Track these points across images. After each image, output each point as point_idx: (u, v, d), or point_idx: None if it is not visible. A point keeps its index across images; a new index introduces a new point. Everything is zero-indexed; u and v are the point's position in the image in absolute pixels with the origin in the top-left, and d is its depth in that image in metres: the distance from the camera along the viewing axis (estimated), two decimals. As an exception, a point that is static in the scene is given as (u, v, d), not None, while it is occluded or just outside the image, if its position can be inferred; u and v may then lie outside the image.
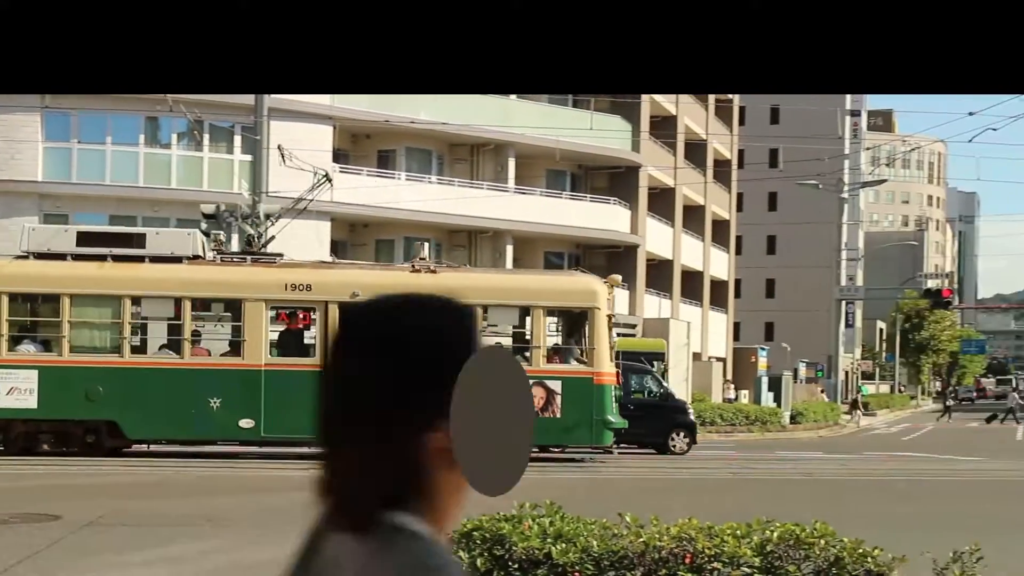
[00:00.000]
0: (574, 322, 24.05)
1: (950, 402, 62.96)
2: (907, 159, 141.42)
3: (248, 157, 33.55)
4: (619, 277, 26.84)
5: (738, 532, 5.71)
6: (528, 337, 23.31)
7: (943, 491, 20.01)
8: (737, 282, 69.31)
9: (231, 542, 12.35)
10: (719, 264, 62.17)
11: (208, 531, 13.02)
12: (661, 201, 52.08)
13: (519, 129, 42.33)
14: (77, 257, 22.47)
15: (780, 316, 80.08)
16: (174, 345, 22.88)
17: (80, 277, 22.38)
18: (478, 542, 5.86)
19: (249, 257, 24.23)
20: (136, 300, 22.68)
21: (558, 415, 22.86)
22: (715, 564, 5.55)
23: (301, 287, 22.69)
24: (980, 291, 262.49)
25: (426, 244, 29.22)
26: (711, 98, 58.37)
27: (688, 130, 55.07)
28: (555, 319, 24.16)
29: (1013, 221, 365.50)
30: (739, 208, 70.28)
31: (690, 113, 55.66)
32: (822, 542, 5.58)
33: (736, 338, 65.87)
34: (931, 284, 73.55)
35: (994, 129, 45.83)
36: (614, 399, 23.34)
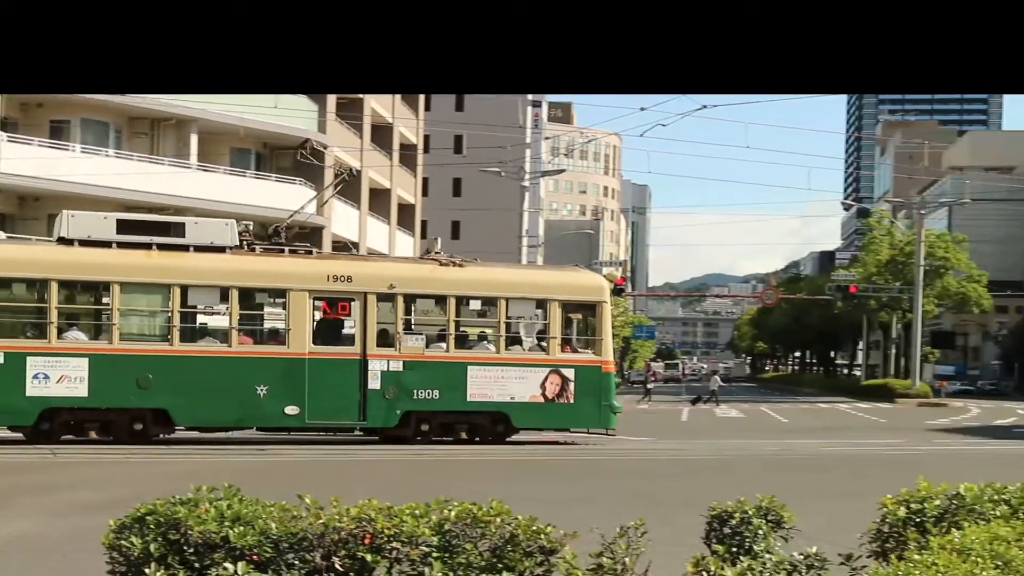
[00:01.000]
0: (583, 314, 25.38)
1: (650, 385, 65.58)
2: (584, 150, 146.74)
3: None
4: (617, 273, 27.56)
5: (417, 512, 5.77)
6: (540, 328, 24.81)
7: (616, 469, 20.91)
8: (422, 266, 69.95)
9: None
10: (405, 248, 62.66)
11: None
12: (347, 183, 51.95)
13: (202, 105, 41.22)
14: (122, 245, 22.51)
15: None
16: (220, 334, 23.34)
17: (128, 265, 22.47)
18: (152, 526, 5.69)
19: (287, 248, 24.55)
20: (184, 289, 22.82)
21: (571, 401, 24.46)
22: (394, 544, 5.59)
23: (342, 278, 23.52)
24: (651, 279, 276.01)
25: (438, 239, 29.82)
26: (399, 82, 58.59)
27: (375, 113, 55.16)
28: (567, 312, 25.21)
29: (682, 213, 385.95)
30: (425, 193, 71.05)
31: (377, 96, 55.80)
32: (498, 520, 5.71)
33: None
34: (606, 272, 76.57)
35: (664, 125, 48.38)
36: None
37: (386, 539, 5.62)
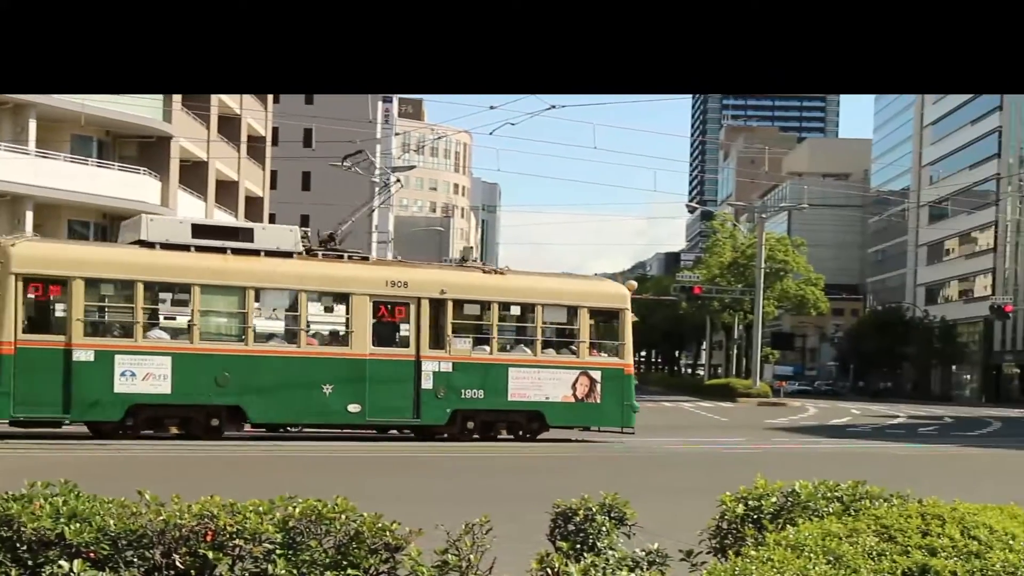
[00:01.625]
0: (607, 320, 27.37)
1: None
2: (435, 147, 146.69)
3: None
4: (635, 283, 31.01)
5: (261, 508, 5.70)
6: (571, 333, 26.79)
7: (464, 466, 20.92)
8: (269, 259, 69.10)
9: None
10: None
11: None
12: (193, 174, 50.97)
13: (42, 90, 39.90)
14: (199, 249, 23.68)
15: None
16: (289, 334, 24.67)
17: (207, 268, 23.51)
18: (-18, 526, 5.50)
19: (346, 254, 25.96)
20: (257, 291, 24.05)
21: (598, 401, 26.35)
22: (237, 541, 5.52)
23: (399, 283, 25.06)
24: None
25: (473, 247, 31.63)
26: (248, 73, 57.69)
27: (222, 104, 54.21)
28: (593, 318, 26.98)
29: (531, 212, 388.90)
30: (273, 186, 70.13)
31: (226, 87, 54.79)
32: (343, 517, 5.68)
33: (266, 316, 65.76)
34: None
35: (513, 124, 48.82)
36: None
37: (228, 536, 5.54)
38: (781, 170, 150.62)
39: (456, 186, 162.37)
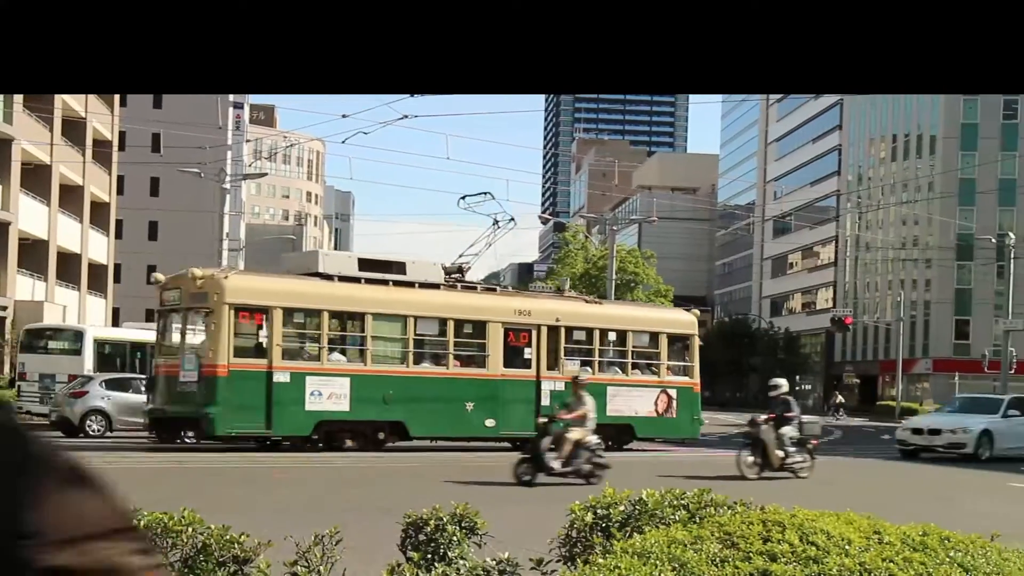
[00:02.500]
0: (680, 344, 31.18)
1: None
2: (288, 155, 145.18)
3: None
4: (698, 312, 34.38)
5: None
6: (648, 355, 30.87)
7: (319, 477, 20.74)
8: (117, 266, 67.47)
9: None
10: (98, 247, 60.16)
11: None
12: (36, 178, 49.46)
13: None
14: (368, 281, 26.68)
15: (159, 303, 78.76)
16: (438, 357, 27.62)
17: (376, 299, 26.50)
18: None
19: (479, 285, 30.22)
20: (415, 319, 26.91)
21: (675, 415, 30.34)
22: (79, 556, 5.38)
23: (524, 312, 28.70)
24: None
25: (567, 279, 40.08)
26: (94, 76, 56.24)
27: (66, 106, 52.74)
28: (670, 342, 30.95)
29: (386, 221, 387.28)
30: (120, 191, 68.47)
31: (71, 89, 53.32)
32: (189, 530, 5.59)
33: (116, 323, 64.04)
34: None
35: (365, 133, 48.51)
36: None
37: (71, 552, 5.40)
38: (631, 183, 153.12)
39: (309, 194, 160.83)
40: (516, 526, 11.33)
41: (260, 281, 26.50)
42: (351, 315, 26.67)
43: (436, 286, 27.89)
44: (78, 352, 33.88)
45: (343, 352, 26.43)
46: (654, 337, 30.89)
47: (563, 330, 28.89)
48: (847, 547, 5.46)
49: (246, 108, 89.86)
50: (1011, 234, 66.93)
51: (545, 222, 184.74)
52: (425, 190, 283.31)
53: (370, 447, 25.64)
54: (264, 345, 25.08)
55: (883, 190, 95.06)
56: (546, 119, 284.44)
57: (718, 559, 5.20)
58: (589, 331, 29.66)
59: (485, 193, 31.98)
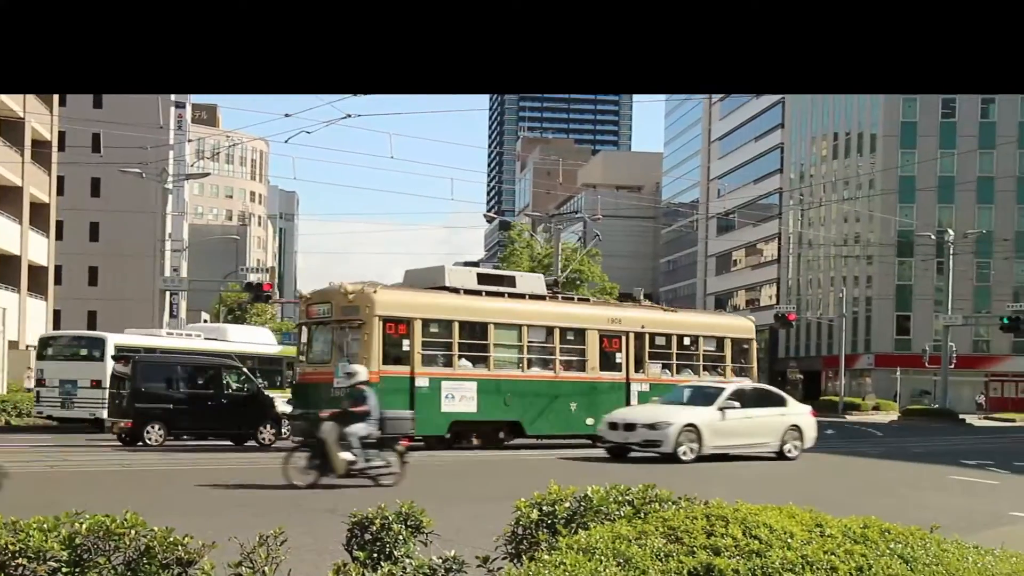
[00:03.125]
0: (740, 348, 34.25)
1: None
2: (231, 154, 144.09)
3: None
4: (754, 319, 36.76)
5: (45, 526, 5.51)
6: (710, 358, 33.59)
7: (268, 478, 20.59)
8: (58, 268, 66.59)
9: None
10: (38, 249, 59.36)
11: None
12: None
13: None
14: (488, 294, 29.70)
15: (104, 304, 77.91)
16: (546, 362, 30.24)
17: (496, 310, 29.43)
18: None
19: (575, 296, 35.85)
20: (528, 328, 29.78)
21: None
22: (20, 560, 5.32)
23: (615, 320, 31.67)
24: (299, 286, 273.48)
25: (641, 290, 43.98)
26: (33, 75, 55.43)
27: (3, 106, 52.00)
28: (733, 346, 33.98)
29: (331, 220, 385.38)
30: (60, 192, 67.59)
31: (9, 88, 52.55)
32: (132, 532, 5.53)
33: (56, 326, 63.25)
34: (253, 278, 75.21)
35: (308, 132, 48.14)
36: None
37: (10, 555, 5.34)
38: (576, 181, 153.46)
39: (253, 194, 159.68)
40: (458, 525, 11.33)
41: (402, 295, 28.83)
42: (476, 325, 29.12)
43: (542, 297, 31.26)
44: (100, 359, 34.38)
45: (470, 359, 28.81)
46: (720, 342, 33.78)
47: (647, 336, 32.00)
48: (789, 540, 5.52)
49: (188, 107, 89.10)
50: (950, 231, 67.86)
51: (490, 220, 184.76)
52: (369, 189, 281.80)
53: (490, 445, 28.63)
54: (406, 353, 27.47)
55: (825, 187, 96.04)
56: (491, 118, 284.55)
57: (662, 554, 5.23)
58: (668, 337, 32.69)
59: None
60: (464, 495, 17.33)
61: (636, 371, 31.59)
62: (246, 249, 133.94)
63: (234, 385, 30.37)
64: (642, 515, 6.64)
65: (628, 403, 30.45)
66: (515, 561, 6.62)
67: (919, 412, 66.67)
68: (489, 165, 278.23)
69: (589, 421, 29.79)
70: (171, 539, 5.57)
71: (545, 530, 6.70)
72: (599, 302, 37.43)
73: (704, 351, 33.25)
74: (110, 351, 34.23)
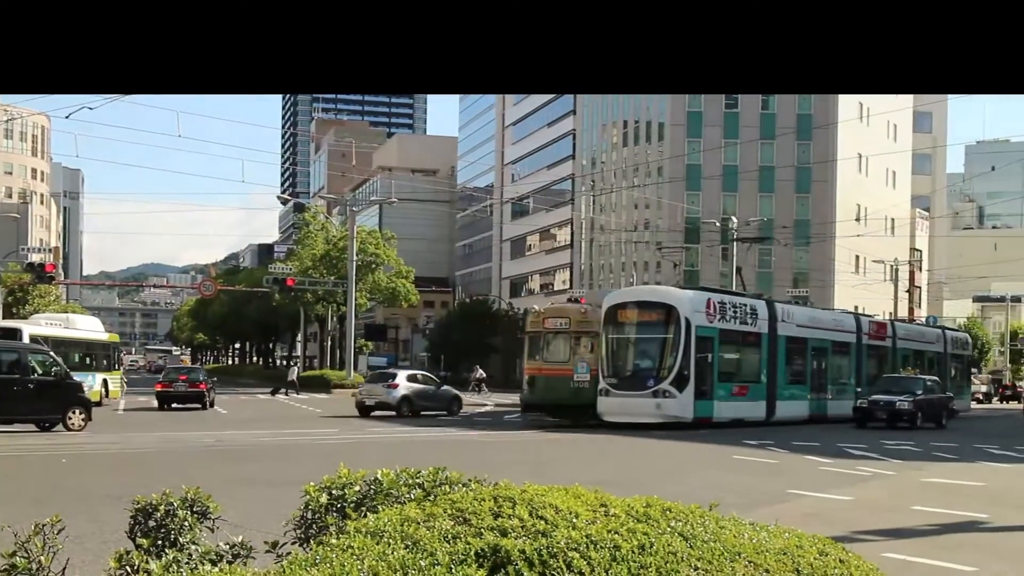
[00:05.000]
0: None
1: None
2: (10, 129, 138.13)
3: None
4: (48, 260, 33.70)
5: None
6: None
7: (44, 466, 19.90)
8: None
9: None
10: None
11: None
12: None
13: None
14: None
15: None
16: None
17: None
18: None
19: None
20: None
21: None
22: None
23: None
24: (86, 267, 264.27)
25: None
26: None
27: None
28: None
29: (119, 200, 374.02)
30: None
31: None
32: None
33: None
34: (35, 258, 72.55)
35: (91, 108, 46.56)
36: None
37: None
38: (372, 164, 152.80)
39: (34, 171, 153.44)
40: (248, 510, 11.20)
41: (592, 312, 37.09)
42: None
43: None
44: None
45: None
46: None
47: None
48: (575, 520, 5.65)
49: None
50: (734, 218, 70.28)
51: (285, 202, 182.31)
52: (160, 170, 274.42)
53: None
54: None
55: (616, 174, 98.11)
56: (284, 98, 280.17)
57: (450, 535, 5.29)
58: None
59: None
60: (255, 479, 17.11)
61: None
62: (28, 228, 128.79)
63: (39, 370, 29.24)
64: (432, 497, 6.69)
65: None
66: (304, 546, 6.59)
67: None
68: (283, 146, 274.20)
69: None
70: (-59, 531, 5.35)
71: (335, 514, 6.69)
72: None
73: None
74: (26, 340, 34.15)
